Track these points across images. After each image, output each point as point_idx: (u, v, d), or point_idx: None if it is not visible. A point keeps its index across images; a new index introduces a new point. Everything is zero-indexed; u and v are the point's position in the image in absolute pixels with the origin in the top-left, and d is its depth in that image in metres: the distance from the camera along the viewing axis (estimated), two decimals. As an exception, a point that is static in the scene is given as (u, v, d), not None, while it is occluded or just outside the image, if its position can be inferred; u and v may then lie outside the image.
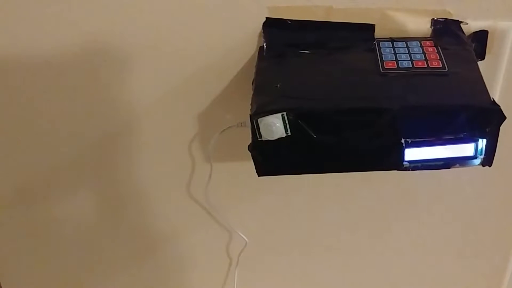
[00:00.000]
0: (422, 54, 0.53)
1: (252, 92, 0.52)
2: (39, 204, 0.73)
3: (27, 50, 0.59)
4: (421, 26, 0.56)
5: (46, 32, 0.57)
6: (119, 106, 0.63)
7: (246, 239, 0.75)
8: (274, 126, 0.47)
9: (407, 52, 0.53)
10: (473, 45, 0.56)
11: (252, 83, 0.54)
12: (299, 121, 0.48)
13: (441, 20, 0.56)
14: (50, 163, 0.69)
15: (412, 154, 0.49)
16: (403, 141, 0.48)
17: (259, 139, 0.48)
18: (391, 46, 0.55)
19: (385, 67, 0.52)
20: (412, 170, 0.51)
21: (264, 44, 0.57)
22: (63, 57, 0.59)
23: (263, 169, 0.51)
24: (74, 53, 0.59)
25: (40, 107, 0.63)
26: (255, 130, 0.48)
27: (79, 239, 0.77)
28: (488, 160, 0.49)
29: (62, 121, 0.65)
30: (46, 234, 0.76)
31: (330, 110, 0.48)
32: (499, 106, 0.46)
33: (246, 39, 0.57)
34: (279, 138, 0.48)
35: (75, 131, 0.66)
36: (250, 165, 0.51)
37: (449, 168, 0.51)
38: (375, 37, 0.56)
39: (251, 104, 0.50)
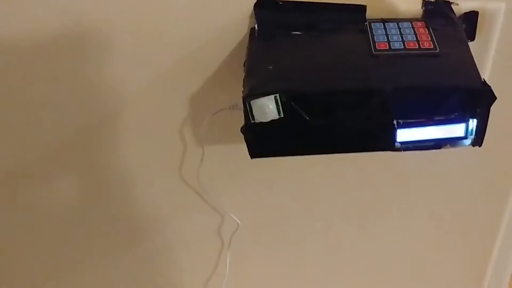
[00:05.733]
0: (414, 35, 0.53)
1: (243, 74, 0.51)
2: (24, 190, 0.72)
3: (7, 35, 0.57)
4: (412, 6, 0.56)
5: (28, 16, 0.56)
6: (106, 89, 0.62)
7: (239, 221, 0.75)
8: (267, 108, 0.47)
9: (398, 33, 0.53)
10: (464, 26, 0.56)
11: (244, 65, 0.53)
12: (292, 103, 0.48)
13: (432, 0, 0.56)
14: (35, 149, 0.68)
15: (404, 135, 0.50)
16: (395, 122, 0.49)
17: (251, 121, 0.48)
18: (382, 27, 0.54)
19: (377, 48, 0.52)
20: (403, 150, 0.51)
21: (256, 26, 0.56)
22: (46, 42, 0.58)
23: (256, 151, 0.51)
24: (59, 37, 0.58)
25: (24, 93, 0.62)
26: (248, 112, 0.48)
27: (66, 225, 0.76)
28: (478, 140, 0.50)
29: (47, 107, 0.64)
30: (31, 219, 0.75)
31: (323, 91, 0.48)
32: (490, 86, 0.46)
33: (237, 20, 0.57)
34: (272, 120, 0.48)
35: (61, 117, 0.65)
36: (242, 147, 0.51)
37: (440, 148, 0.51)
38: (367, 18, 0.56)
39: (243, 86, 0.49)
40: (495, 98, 0.46)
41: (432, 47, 0.51)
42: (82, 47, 0.59)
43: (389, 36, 0.53)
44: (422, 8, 0.56)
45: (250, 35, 0.57)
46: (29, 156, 0.69)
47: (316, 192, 0.74)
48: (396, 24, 0.55)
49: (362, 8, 0.56)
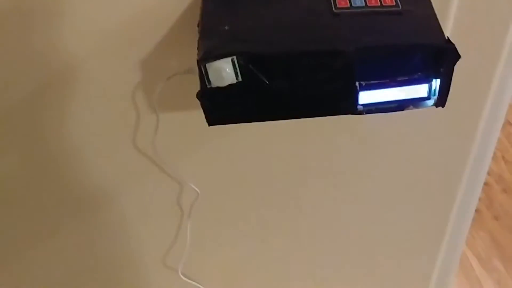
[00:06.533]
0: (376, -8, 0.51)
1: (198, 36, 0.48)
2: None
3: None
4: (373, -39, 0.54)
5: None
6: (51, 55, 0.58)
7: (198, 190, 0.74)
8: (224, 72, 0.45)
9: (359, -11, 0.51)
10: (425, -19, 0.54)
11: (198, 25, 0.50)
12: (250, 65, 0.45)
13: (393, -45, 0.54)
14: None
15: (366, 97, 0.48)
16: (357, 84, 0.47)
17: (208, 86, 0.46)
18: (343, -17, 0.52)
19: (338, 6, 0.49)
20: (366, 113, 0.50)
21: (210, -18, 0.52)
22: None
23: (213, 118, 0.49)
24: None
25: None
26: (204, 77, 0.45)
27: (16, 198, 0.73)
28: (441, 100, 0.49)
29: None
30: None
31: (283, 53, 0.46)
32: (453, 44, 0.45)
33: (190, -23, 0.53)
34: (229, 85, 0.46)
35: (6, 84, 0.60)
36: (200, 113, 0.48)
37: (402, 110, 0.50)
38: (327, -27, 0.53)
39: (197, 49, 0.47)
40: (459, 56, 0.45)
41: (394, 4, 0.49)
42: (27, 10, 0.54)
43: (350, -8, 0.51)
44: (383, -37, 0.54)
45: (204, -8, 0.53)
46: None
47: (276, 157, 0.73)
48: (357, -20, 0.52)
49: (321, -37, 0.53)
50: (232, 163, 0.72)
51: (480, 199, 1.66)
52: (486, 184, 1.68)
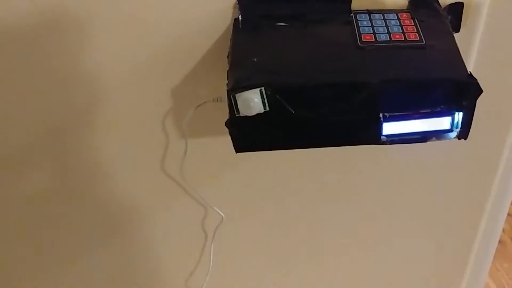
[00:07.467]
0: (400, 27, 0.52)
1: (227, 66, 0.50)
2: (2, 182, 0.70)
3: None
4: (397, -3, 0.56)
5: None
6: (84, 80, 0.61)
7: (222, 214, 0.75)
8: (252, 102, 0.46)
9: (384, 24, 0.53)
10: (449, 17, 0.56)
11: (228, 57, 0.52)
12: (277, 96, 0.47)
13: (417, -9, 0.55)
14: (12, 140, 0.66)
15: (389, 128, 0.49)
16: (381, 115, 0.48)
17: (236, 115, 0.48)
18: (368, 18, 0.54)
19: (363, 40, 0.51)
20: (389, 144, 0.51)
21: (240, 16, 0.55)
22: (20, 31, 0.56)
23: (241, 145, 0.51)
24: (33, 27, 0.56)
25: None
26: (233, 106, 0.47)
27: (44, 219, 0.75)
28: (464, 133, 0.50)
29: (23, 97, 0.62)
30: (8, 213, 0.73)
31: (309, 85, 0.47)
32: (476, 79, 0.46)
33: (221, 11, 0.56)
34: (257, 114, 0.47)
35: (38, 107, 0.63)
36: (226, 140, 0.50)
37: (425, 141, 0.51)
38: (352, 9, 0.55)
39: (227, 79, 0.48)
40: (481, 91, 0.46)
41: (418, 39, 0.51)
42: (58, 35, 0.57)
43: (374, 27, 0.52)
44: (407, -1, 0.56)
45: (234, 26, 0.56)
46: (3, 149, 0.67)
47: (301, 184, 0.74)
48: (382, 16, 0.54)
49: (347, -1, 0.55)
50: (257, 188, 0.73)
51: (503, 230, 1.63)
52: (509, 215, 1.65)
